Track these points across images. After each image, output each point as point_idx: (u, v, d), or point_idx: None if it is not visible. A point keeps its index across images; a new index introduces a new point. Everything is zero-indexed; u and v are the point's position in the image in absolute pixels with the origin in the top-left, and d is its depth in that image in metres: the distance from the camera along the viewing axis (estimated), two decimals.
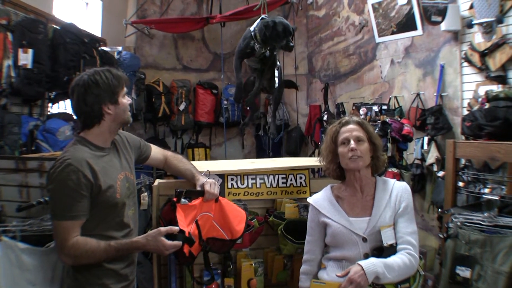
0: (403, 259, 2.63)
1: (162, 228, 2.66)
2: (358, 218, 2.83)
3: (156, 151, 3.34)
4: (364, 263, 2.59)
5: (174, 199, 2.98)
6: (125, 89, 2.82)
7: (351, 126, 2.93)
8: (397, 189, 2.89)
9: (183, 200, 2.99)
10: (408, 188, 2.92)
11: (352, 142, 2.86)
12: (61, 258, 2.62)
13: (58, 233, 2.54)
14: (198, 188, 3.13)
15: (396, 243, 2.74)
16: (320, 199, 3.01)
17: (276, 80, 5.87)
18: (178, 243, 2.67)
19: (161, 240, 2.62)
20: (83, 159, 2.59)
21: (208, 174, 3.32)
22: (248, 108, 6.40)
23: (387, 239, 2.72)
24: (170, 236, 2.66)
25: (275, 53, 5.47)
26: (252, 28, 5.30)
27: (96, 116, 2.74)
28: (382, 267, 2.57)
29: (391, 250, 2.70)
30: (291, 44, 5.03)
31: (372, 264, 2.58)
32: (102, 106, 2.72)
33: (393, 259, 2.63)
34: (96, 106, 2.70)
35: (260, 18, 5.34)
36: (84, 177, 2.54)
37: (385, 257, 2.64)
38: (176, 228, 2.71)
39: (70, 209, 2.51)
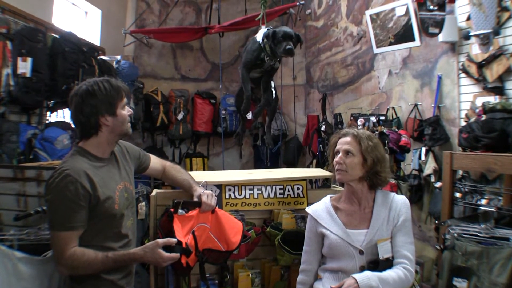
0: (398, 273, 2.65)
1: (160, 240, 2.64)
2: (356, 230, 2.82)
3: (155, 161, 3.35)
4: (358, 276, 2.59)
5: (172, 209, 2.99)
6: (124, 100, 2.80)
7: (346, 138, 2.91)
8: (396, 203, 2.87)
9: (180, 210, 2.99)
10: (407, 202, 2.91)
11: (340, 154, 2.88)
12: (58, 269, 2.62)
13: (56, 243, 2.54)
14: (195, 199, 3.13)
15: (393, 257, 2.75)
16: (319, 210, 2.99)
17: (273, 91, 5.90)
18: (175, 255, 2.65)
19: (159, 252, 2.60)
20: (81, 170, 2.59)
21: (206, 185, 3.32)
22: (250, 119, 6.42)
23: (384, 252, 2.72)
24: (167, 247, 2.65)
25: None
26: (260, 40, 5.32)
27: (93, 127, 2.74)
28: (377, 281, 2.57)
29: (387, 263, 2.71)
30: (288, 47, 5.02)
31: (367, 277, 2.58)
32: (99, 117, 2.71)
33: (388, 273, 2.64)
34: (93, 117, 2.70)
35: (267, 29, 5.36)
36: (82, 188, 2.54)
37: (381, 270, 2.64)
38: (174, 240, 2.68)
39: (68, 219, 2.51)
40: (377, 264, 2.69)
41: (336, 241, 2.81)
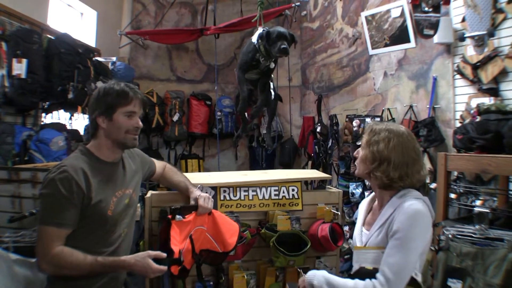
0: (358, 285, 2.43)
1: (151, 252, 2.64)
2: (365, 231, 2.73)
3: (158, 166, 3.38)
4: (309, 272, 2.62)
5: (169, 216, 2.99)
6: (129, 108, 2.75)
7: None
8: (399, 209, 2.48)
9: (177, 216, 2.99)
10: (410, 210, 2.43)
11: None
12: (41, 266, 2.53)
13: (42, 238, 2.50)
14: (192, 202, 3.14)
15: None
16: (366, 201, 2.93)
17: (272, 92, 5.90)
18: (164, 267, 2.64)
19: (149, 262, 2.58)
20: (79, 168, 2.60)
21: (202, 188, 3.33)
22: (247, 119, 6.43)
23: (361, 261, 2.60)
24: (160, 261, 2.64)
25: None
26: (255, 41, 5.32)
27: (93, 126, 2.79)
28: (322, 281, 2.51)
29: (366, 273, 2.51)
30: (283, 46, 5.02)
31: (313, 274, 2.58)
32: (96, 117, 2.74)
33: (345, 281, 2.49)
34: (92, 115, 2.75)
35: (262, 30, 5.36)
36: (77, 185, 2.53)
37: (361, 278, 2.46)
38: (164, 254, 2.68)
39: (58, 215, 2.49)
40: (358, 271, 2.59)
41: (354, 237, 2.81)
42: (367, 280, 2.41)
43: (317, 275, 2.56)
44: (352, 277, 2.53)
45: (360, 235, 2.75)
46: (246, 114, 6.18)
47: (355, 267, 2.65)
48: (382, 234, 2.53)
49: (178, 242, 2.88)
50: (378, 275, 2.39)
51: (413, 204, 2.46)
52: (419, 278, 2.43)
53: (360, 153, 2.72)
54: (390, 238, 2.44)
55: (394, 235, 2.42)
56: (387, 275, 2.35)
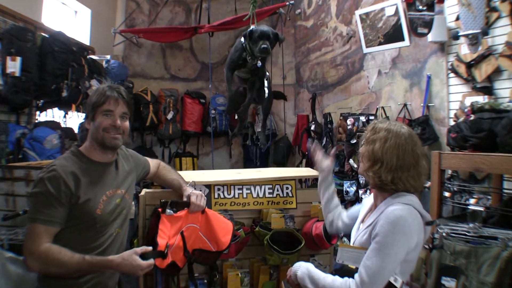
0: (335, 281, 2.45)
1: (138, 249, 2.64)
2: (360, 227, 2.70)
3: (152, 164, 3.38)
4: (296, 263, 2.66)
5: (160, 209, 2.99)
6: (105, 107, 2.78)
7: None
8: (383, 213, 2.45)
9: (168, 210, 2.99)
10: (392, 216, 2.38)
11: None
12: (28, 264, 2.52)
13: (29, 235, 2.51)
14: (185, 199, 3.13)
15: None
16: (370, 197, 2.84)
17: (266, 90, 5.88)
18: (151, 262, 2.64)
19: (137, 260, 2.58)
20: (68, 168, 2.62)
21: (194, 185, 3.32)
22: (236, 118, 6.40)
23: (344, 258, 2.59)
24: (144, 255, 2.64)
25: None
26: (243, 40, 5.31)
27: (86, 128, 2.86)
28: (305, 272, 2.55)
29: (347, 271, 2.51)
30: (264, 46, 4.97)
31: (299, 265, 2.62)
32: (85, 119, 2.85)
33: (325, 275, 2.50)
34: (85, 117, 2.83)
35: (251, 29, 5.35)
36: (65, 184, 2.55)
37: (342, 275, 2.46)
38: (150, 248, 2.70)
39: (45, 213, 2.50)
40: (341, 268, 2.59)
41: (351, 231, 2.81)
42: (345, 278, 2.42)
43: (301, 266, 2.60)
44: (335, 274, 2.53)
45: (355, 231, 2.75)
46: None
47: (338, 264, 2.65)
48: (367, 235, 2.51)
49: (166, 236, 2.88)
50: (355, 275, 2.39)
51: (396, 210, 2.41)
52: (397, 284, 2.38)
53: (361, 149, 2.67)
54: (372, 240, 2.42)
55: (375, 238, 2.39)
56: (362, 277, 2.34)
